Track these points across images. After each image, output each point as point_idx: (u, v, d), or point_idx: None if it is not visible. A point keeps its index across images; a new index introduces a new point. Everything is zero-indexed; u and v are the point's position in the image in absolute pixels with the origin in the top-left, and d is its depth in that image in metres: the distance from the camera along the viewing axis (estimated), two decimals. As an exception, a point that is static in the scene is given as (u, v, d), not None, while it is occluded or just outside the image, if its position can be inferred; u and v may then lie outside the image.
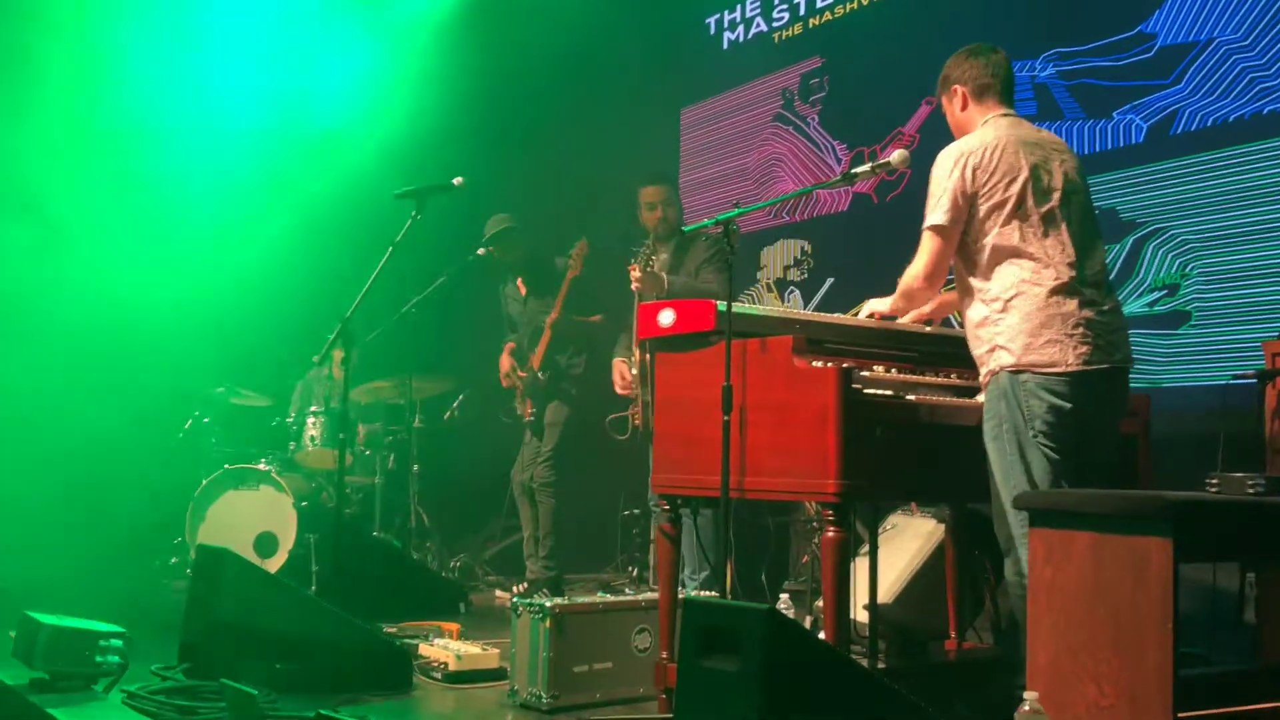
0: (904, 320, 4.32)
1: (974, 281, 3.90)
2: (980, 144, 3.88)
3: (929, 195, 3.93)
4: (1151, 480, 4.48)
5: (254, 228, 8.02)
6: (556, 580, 7.06)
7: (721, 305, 3.97)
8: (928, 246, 3.93)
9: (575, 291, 7.07)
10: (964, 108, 4.10)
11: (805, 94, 8.33)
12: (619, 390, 6.61)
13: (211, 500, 7.08)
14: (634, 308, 6.04)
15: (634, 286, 6.01)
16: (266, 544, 6.97)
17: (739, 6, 8.99)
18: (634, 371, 6.29)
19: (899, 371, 4.15)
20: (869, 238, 7.56)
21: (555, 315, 7.06)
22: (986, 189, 3.82)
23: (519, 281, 7.48)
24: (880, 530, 5.00)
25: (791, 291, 8.19)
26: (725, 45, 9.13)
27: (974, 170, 3.83)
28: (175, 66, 8.02)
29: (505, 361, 7.42)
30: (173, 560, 7.52)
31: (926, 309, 4.35)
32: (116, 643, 4.41)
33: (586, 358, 7.25)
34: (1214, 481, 3.57)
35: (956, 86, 4.10)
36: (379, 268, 5.39)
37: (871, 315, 4.24)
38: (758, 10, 8.82)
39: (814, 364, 3.77)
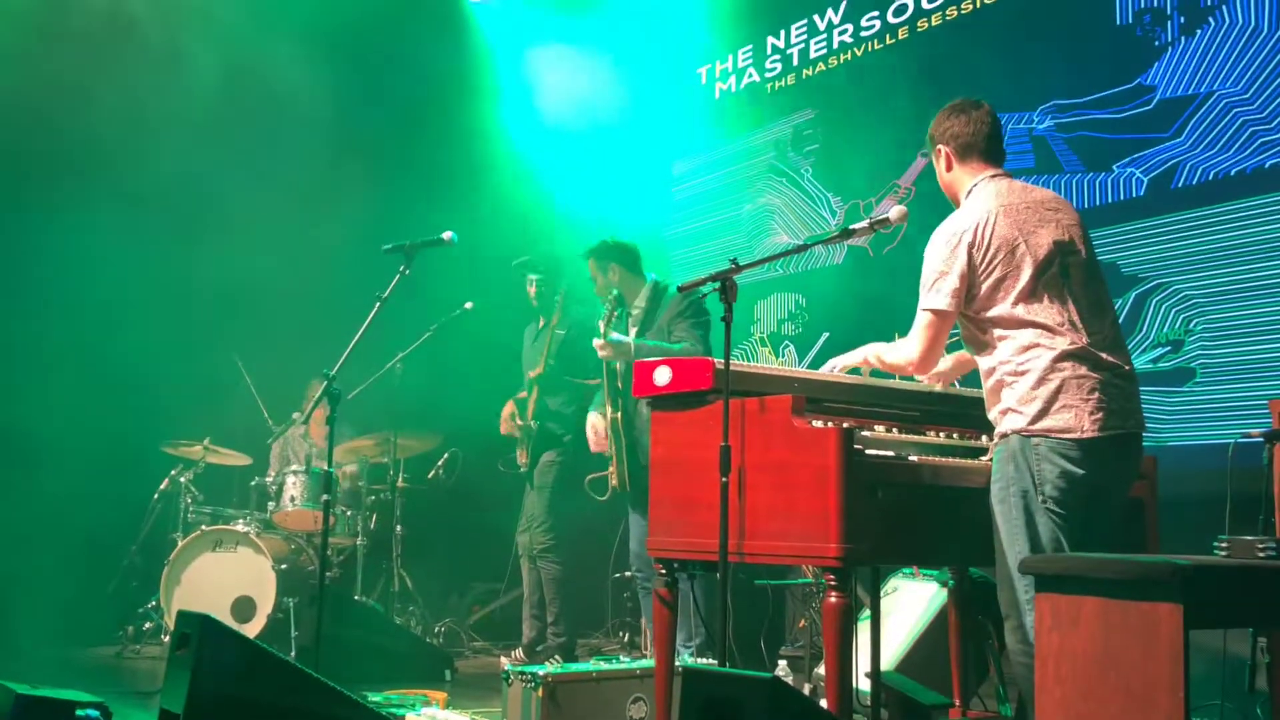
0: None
1: (985, 347, 3.82)
2: (972, 221, 3.78)
3: (925, 276, 3.83)
4: (1159, 543, 4.37)
5: (236, 278, 7.88)
6: (567, 647, 6.89)
7: (720, 363, 3.86)
8: (925, 330, 3.83)
9: (569, 350, 6.94)
10: (949, 168, 4.01)
11: (798, 145, 8.28)
12: (593, 448, 6.49)
13: (188, 563, 6.96)
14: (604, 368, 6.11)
15: (600, 355, 5.97)
16: (244, 608, 6.86)
17: (731, 57, 8.95)
18: (608, 429, 6.15)
19: (900, 431, 4.05)
20: (865, 291, 7.47)
21: (539, 370, 6.93)
22: (984, 264, 3.74)
23: (539, 321, 7.33)
24: (881, 594, 4.88)
25: (786, 346, 8.09)
26: (717, 95, 9.09)
27: (969, 249, 3.74)
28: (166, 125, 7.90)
29: (508, 408, 7.25)
30: (147, 625, 7.41)
31: (944, 366, 4.24)
32: (94, 713, 4.27)
33: (576, 409, 7.08)
34: (1224, 545, 3.50)
35: (940, 147, 4.02)
36: (366, 323, 5.26)
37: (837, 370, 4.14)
38: (750, 61, 8.79)
39: (814, 424, 3.70)
